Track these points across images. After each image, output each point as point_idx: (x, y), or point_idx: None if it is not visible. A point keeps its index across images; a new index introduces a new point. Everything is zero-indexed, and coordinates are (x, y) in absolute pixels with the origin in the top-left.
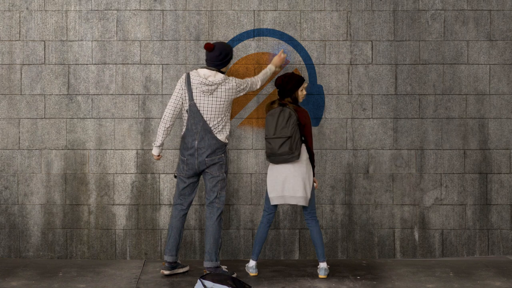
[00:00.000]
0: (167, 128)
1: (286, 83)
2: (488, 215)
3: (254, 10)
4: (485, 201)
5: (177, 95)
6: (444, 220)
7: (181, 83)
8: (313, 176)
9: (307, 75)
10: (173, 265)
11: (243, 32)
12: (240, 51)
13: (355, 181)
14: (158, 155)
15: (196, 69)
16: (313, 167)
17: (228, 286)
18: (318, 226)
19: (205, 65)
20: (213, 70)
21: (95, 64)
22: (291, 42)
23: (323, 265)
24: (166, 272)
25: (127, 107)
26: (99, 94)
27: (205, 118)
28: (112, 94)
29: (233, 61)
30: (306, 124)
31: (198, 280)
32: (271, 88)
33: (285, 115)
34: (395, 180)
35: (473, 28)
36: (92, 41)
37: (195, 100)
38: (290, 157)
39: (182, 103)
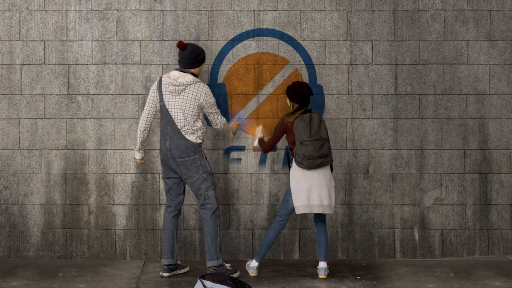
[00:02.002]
0: (142, 131)
1: (310, 91)
2: (488, 215)
3: (254, 10)
4: (485, 201)
5: (150, 98)
6: (444, 220)
7: (153, 86)
8: None
9: (307, 75)
10: (171, 267)
11: (243, 32)
12: (240, 51)
13: (355, 181)
14: (141, 159)
15: (169, 72)
16: (331, 171)
17: (228, 286)
18: (326, 227)
19: (178, 68)
20: (184, 71)
21: (95, 64)
22: (291, 42)
23: (323, 264)
24: (165, 275)
25: (127, 107)
26: (99, 94)
27: (174, 119)
28: (112, 94)
29: (233, 61)
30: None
31: (198, 280)
32: (271, 88)
33: (315, 119)
34: (395, 180)
35: (473, 28)
36: (92, 41)
37: (164, 101)
38: (327, 160)
39: (156, 106)
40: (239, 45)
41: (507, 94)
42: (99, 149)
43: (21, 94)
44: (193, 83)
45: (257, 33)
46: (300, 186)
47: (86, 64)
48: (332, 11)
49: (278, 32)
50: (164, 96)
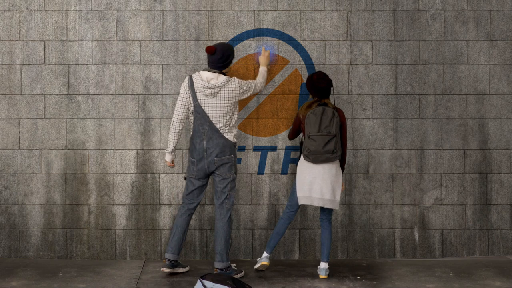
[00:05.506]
0: (177, 132)
1: (330, 83)
2: (488, 215)
3: (254, 10)
4: (485, 201)
5: (182, 99)
6: (444, 220)
7: (184, 87)
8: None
9: (307, 75)
10: (173, 264)
11: (243, 32)
12: (240, 51)
13: (355, 181)
14: (172, 162)
15: (199, 72)
16: (343, 169)
17: (228, 286)
18: (331, 227)
19: (207, 68)
20: (215, 72)
21: (95, 64)
22: (291, 42)
23: (324, 265)
24: (167, 270)
25: (127, 107)
26: (99, 94)
27: (211, 119)
28: (112, 94)
29: (233, 61)
30: (343, 124)
31: (198, 280)
32: (271, 88)
33: (328, 114)
34: (395, 180)
35: (473, 28)
36: (92, 41)
37: (199, 101)
38: (333, 156)
39: (188, 106)
40: (239, 45)
41: (507, 94)
42: (99, 149)
43: (21, 94)
44: (226, 83)
45: (257, 33)
46: (303, 177)
47: (86, 64)
48: (332, 11)
49: (278, 32)
50: (198, 97)
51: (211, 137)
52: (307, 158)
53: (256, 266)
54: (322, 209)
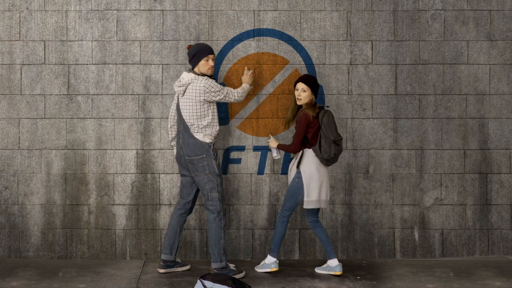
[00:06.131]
0: (169, 128)
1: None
2: (488, 215)
3: (254, 10)
4: (485, 201)
5: (175, 97)
6: (444, 220)
7: None
8: None
9: None
10: (168, 264)
11: (243, 32)
12: (240, 51)
13: (355, 181)
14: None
15: None
16: None
17: (228, 286)
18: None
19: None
20: (191, 71)
21: (95, 64)
22: (291, 42)
23: (337, 261)
24: (161, 271)
25: (127, 107)
26: (99, 94)
27: (184, 117)
28: (112, 94)
29: (233, 61)
30: None
31: (198, 280)
32: (271, 88)
33: (332, 117)
34: (395, 180)
35: (473, 28)
36: (92, 41)
37: (179, 100)
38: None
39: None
40: (239, 45)
41: (507, 94)
42: (99, 149)
43: (21, 94)
44: (191, 81)
45: (257, 33)
46: (313, 181)
47: (86, 64)
48: (332, 11)
49: (278, 32)
50: (179, 97)
51: (184, 135)
52: (326, 162)
53: (264, 270)
54: (312, 210)
